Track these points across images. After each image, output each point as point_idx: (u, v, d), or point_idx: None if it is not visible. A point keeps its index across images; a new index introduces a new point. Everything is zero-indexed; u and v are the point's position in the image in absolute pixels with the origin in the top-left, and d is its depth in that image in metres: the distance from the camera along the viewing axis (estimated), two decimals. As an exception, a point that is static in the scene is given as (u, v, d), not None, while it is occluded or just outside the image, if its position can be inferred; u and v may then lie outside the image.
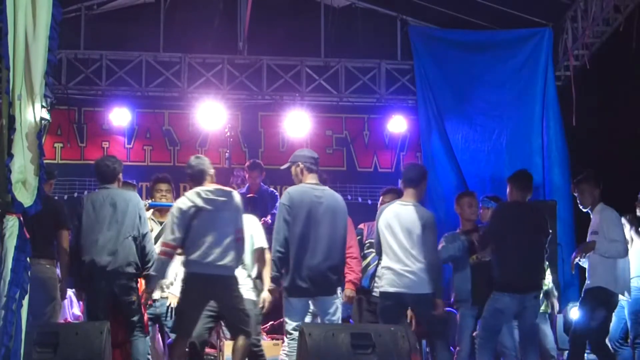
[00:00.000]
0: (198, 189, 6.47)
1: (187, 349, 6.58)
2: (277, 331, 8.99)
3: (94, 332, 5.81)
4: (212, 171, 6.65)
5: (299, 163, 6.64)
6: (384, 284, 6.65)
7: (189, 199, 6.41)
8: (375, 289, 7.01)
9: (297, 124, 11.62)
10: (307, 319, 6.81)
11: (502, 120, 11.35)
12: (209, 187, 6.51)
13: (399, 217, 6.72)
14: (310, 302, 6.57)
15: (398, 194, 7.29)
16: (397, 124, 11.88)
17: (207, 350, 8.25)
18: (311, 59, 12.01)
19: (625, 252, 7.11)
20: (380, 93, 12.04)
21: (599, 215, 7.14)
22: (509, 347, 7.09)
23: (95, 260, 6.53)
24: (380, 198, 7.72)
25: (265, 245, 7.15)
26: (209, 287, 6.37)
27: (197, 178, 6.54)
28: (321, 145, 11.71)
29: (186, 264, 6.41)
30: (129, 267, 6.58)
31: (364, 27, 11.91)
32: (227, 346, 7.67)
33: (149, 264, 6.65)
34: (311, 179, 6.60)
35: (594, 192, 7.24)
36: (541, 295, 7.55)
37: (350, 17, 11.96)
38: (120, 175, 6.91)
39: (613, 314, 7.28)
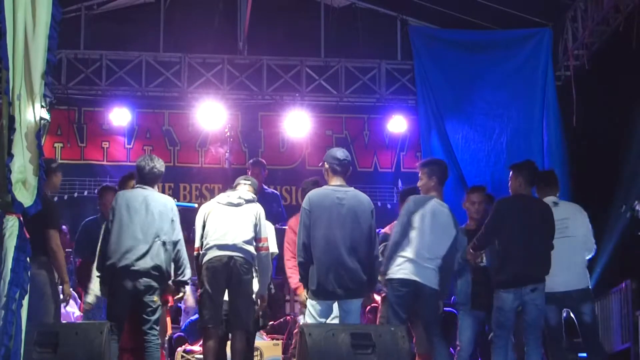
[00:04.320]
0: None
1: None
2: (277, 331, 9.00)
3: (94, 332, 5.82)
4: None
5: (325, 163, 6.64)
6: (403, 272, 6.63)
7: None
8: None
9: (297, 124, 11.61)
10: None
11: (502, 120, 11.35)
12: None
13: (440, 215, 6.76)
14: (334, 305, 6.52)
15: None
16: (397, 124, 11.88)
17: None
18: (311, 59, 12.00)
19: None
20: (380, 93, 12.03)
21: None
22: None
23: (122, 260, 6.51)
24: (401, 204, 7.56)
25: (275, 250, 7.43)
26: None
27: None
28: (321, 145, 11.70)
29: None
30: (153, 269, 6.54)
31: (364, 27, 11.91)
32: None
33: (180, 270, 6.70)
34: (335, 180, 6.57)
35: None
36: None
37: (350, 17, 11.95)
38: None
39: (573, 312, 7.24)
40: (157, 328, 6.62)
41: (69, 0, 11.25)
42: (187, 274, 6.75)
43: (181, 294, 6.86)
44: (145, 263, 6.52)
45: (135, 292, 6.53)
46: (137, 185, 6.84)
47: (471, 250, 7.11)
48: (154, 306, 6.56)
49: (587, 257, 7.29)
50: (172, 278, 6.76)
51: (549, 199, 7.26)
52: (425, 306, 6.76)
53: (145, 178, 6.79)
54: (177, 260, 6.69)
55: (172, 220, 6.69)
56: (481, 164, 11.27)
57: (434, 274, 6.69)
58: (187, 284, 6.86)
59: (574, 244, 7.13)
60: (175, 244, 6.67)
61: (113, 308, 6.61)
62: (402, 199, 7.55)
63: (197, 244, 6.95)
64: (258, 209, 6.98)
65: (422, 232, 6.69)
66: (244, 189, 7.07)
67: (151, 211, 6.61)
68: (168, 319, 7.57)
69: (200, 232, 6.91)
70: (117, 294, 6.58)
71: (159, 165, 6.85)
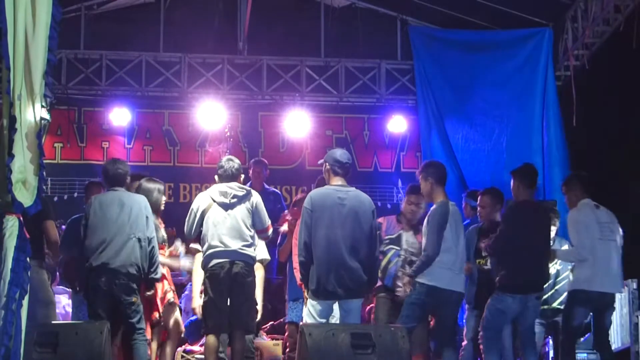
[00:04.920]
0: None
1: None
2: (277, 331, 9.00)
3: (94, 332, 5.83)
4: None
5: (326, 164, 6.64)
6: (439, 281, 6.69)
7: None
8: (398, 286, 7.13)
9: (297, 124, 11.61)
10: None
11: (502, 120, 11.34)
12: None
13: (456, 218, 6.83)
14: (334, 305, 6.53)
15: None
16: (397, 124, 11.88)
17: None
18: (311, 59, 12.00)
19: (580, 256, 7.10)
20: (380, 93, 12.03)
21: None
22: (507, 347, 7.13)
23: (98, 258, 6.57)
24: (406, 197, 7.55)
25: (266, 256, 7.42)
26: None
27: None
28: (321, 145, 11.70)
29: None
30: (131, 267, 6.60)
31: (364, 27, 11.90)
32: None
33: (153, 268, 6.74)
34: (337, 180, 6.58)
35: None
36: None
37: (350, 17, 11.95)
38: (128, 179, 7.03)
39: (596, 313, 7.26)
40: (142, 327, 6.65)
41: (69, 0, 11.24)
42: (159, 272, 6.81)
43: (152, 291, 6.85)
44: (121, 260, 6.57)
45: (112, 290, 6.56)
46: (109, 188, 6.90)
47: (469, 266, 7.17)
48: (133, 307, 6.60)
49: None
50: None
51: (588, 202, 7.25)
52: (452, 310, 6.85)
53: (113, 180, 6.89)
54: (151, 257, 6.73)
55: (147, 218, 6.74)
56: (481, 164, 11.28)
57: (463, 278, 6.88)
58: (158, 281, 6.86)
59: (616, 248, 7.22)
60: (150, 240, 6.71)
61: (92, 307, 6.65)
62: (411, 191, 7.51)
63: (187, 233, 6.94)
64: (253, 201, 6.89)
65: (454, 242, 6.75)
66: (235, 184, 6.94)
67: (126, 209, 6.68)
68: (179, 318, 7.53)
69: (192, 227, 6.85)
70: (95, 293, 6.63)
71: (122, 165, 6.98)
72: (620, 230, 7.34)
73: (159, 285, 7.08)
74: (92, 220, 6.69)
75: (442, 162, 7.66)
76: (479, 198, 7.71)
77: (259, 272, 7.33)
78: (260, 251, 7.38)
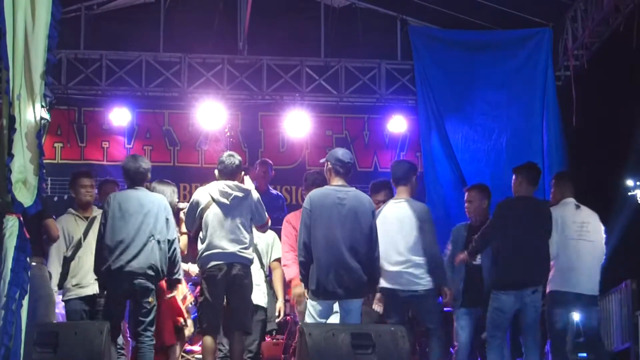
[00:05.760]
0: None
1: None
2: (277, 331, 9.00)
3: (94, 332, 5.84)
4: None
5: (328, 163, 6.63)
6: (383, 282, 6.69)
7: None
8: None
9: (297, 124, 11.62)
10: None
11: (502, 120, 11.36)
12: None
13: (393, 215, 6.75)
14: (335, 304, 6.52)
15: (390, 189, 7.31)
16: (397, 124, 11.88)
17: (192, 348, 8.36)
18: (311, 59, 12.00)
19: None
20: (380, 93, 12.03)
21: None
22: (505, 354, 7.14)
23: (117, 259, 6.55)
24: (371, 197, 7.56)
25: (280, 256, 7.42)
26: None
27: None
28: (321, 145, 11.71)
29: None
30: (149, 269, 6.58)
31: (364, 27, 11.90)
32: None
33: (176, 269, 6.76)
34: (337, 180, 6.58)
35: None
36: None
37: (350, 17, 11.95)
38: (149, 176, 7.00)
39: (581, 314, 7.23)
40: (152, 329, 6.63)
41: (69, 0, 11.25)
42: (182, 273, 6.85)
43: (174, 293, 6.88)
44: (140, 263, 6.55)
45: (131, 293, 6.58)
46: (129, 187, 6.86)
47: (466, 254, 7.12)
48: (148, 307, 6.60)
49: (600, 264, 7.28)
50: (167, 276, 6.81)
51: (570, 200, 7.22)
52: (417, 309, 6.80)
53: (134, 179, 6.84)
54: (173, 259, 6.74)
55: (167, 220, 6.74)
56: (481, 163, 11.28)
57: (412, 277, 6.67)
58: (180, 282, 6.90)
59: (592, 249, 7.12)
60: (171, 242, 6.71)
61: (109, 309, 6.66)
62: (374, 191, 7.55)
63: (187, 226, 6.95)
64: (252, 200, 6.85)
65: (390, 240, 6.68)
66: (234, 184, 6.90)
67: (145, 211, 6.66)
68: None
69: (193, 221, 6.83)
70: (113, 295, 6.64)
71: (144, 164, 6.91)
72: (603, 231, 7.26)
73: (180, 289, 7.10)
74: (111, 221, 6.64)
75: (410, 161, 7.69)
76: (466, 193, 7.68)
77: (278, 271, 7.43)
78: (277, 250, 7.47)
